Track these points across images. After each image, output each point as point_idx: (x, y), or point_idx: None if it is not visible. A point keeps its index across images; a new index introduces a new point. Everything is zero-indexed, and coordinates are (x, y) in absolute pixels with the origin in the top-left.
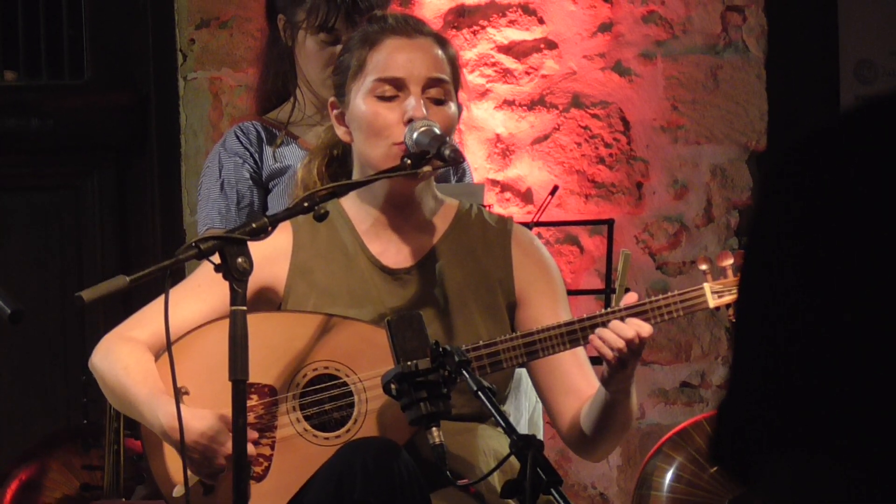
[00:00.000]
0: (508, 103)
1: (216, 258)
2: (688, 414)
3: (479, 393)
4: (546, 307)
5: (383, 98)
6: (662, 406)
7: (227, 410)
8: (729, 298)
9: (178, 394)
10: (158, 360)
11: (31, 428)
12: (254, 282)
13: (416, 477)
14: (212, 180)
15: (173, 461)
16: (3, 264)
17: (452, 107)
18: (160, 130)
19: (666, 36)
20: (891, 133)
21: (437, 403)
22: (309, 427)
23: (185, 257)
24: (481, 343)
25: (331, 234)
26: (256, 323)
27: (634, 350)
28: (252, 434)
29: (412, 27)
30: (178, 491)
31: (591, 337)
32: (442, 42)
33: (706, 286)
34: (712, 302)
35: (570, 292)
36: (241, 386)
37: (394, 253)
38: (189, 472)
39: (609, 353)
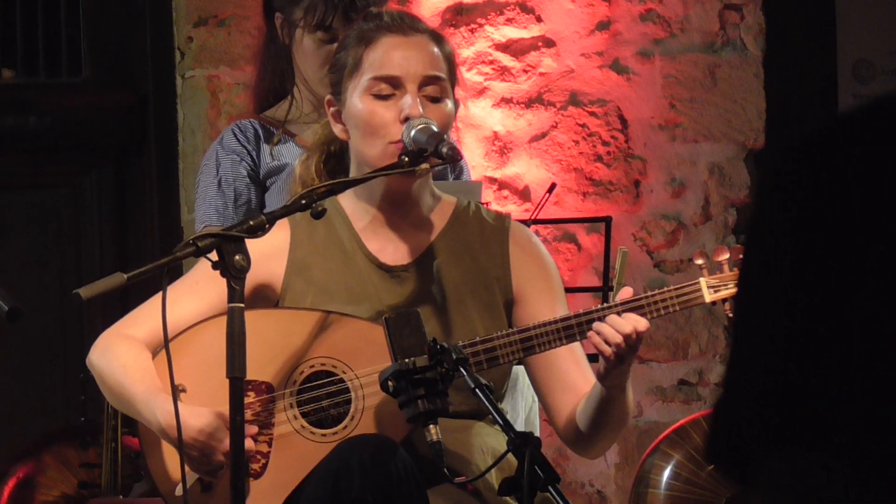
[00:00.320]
0: (506, 101)
1: (214, 255)
2: (685, 412)
3: (477, 390)
4: (544, 304)
5: (380, 96)
6: (660, 404)
7: (225, 408)
8: (725, 293)
9: (176, 391)
10: (156, 357)
11: (30, 426)
12: (251, 279)
13: (414, 474)
14: (209, 178)
15: (171, 459)
16: (1, 263)
17: (449, 104)
18: (158, 129)
19: (664, 34)
20: (888, 133)
21: (435, 401)
22: (306, 424)
23: (183, 255)
24: (478, 339)
25: (328, 232)
26: (254, 320)
27: (632, 345)
28: (251, 428)
29: (408, 25)
30: (178, 491)
31: (589, 333)
32: (438, 39)
33: (702, 281)
34: (708, 297)
35: (568, 290)
36: (238, 383)
37: (391, 250)
38: (187, 470)
39: (607, 349)
